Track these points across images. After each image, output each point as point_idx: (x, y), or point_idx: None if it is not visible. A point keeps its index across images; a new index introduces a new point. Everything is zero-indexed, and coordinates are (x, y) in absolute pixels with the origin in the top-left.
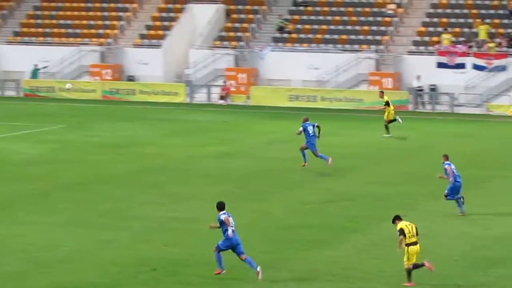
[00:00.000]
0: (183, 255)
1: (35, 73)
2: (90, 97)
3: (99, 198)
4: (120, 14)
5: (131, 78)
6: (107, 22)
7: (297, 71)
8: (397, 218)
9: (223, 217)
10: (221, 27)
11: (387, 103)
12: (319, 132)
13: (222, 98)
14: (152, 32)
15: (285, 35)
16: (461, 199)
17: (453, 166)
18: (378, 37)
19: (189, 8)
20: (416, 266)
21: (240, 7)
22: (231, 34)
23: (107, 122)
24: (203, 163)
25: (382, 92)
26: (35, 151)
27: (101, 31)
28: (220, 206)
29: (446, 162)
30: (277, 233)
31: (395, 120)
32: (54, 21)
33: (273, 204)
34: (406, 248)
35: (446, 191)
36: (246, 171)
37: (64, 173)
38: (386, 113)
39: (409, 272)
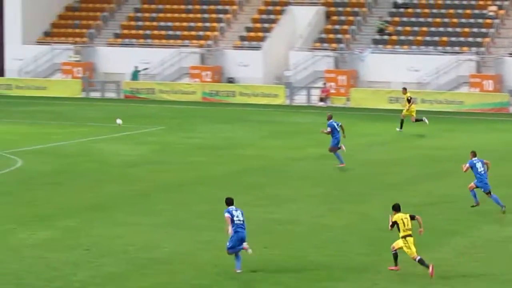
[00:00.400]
0: (283, 256)
1: (135, 75)
2: (190, 99)
3: (198, 199)
4: (220, 16)
5: (231, 80)
6: (207, 24)
7: (397, 73)
8: (395, 209)
9: (226, 215)
10: (321, 29)
11: (409, 100)
12: (343, 131)
13: (321, 100)
14: (252, 34)
15: (385, 37)
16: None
17: (479, 163)
18: (479, 39)
19: (289, 10)
20: (422, 263)
21: (340, 9)
22: (331, 36)
23: (207, 124)
24: (303, 164)
25: (405, 89)
26: (135, 153)
27: (201, 33)
28: (228, 202)
29: (474, 158)
30: (376, 235)
31: (421, 120)
32: (154, 23)
33: (372, 206)
34: (404, 239)
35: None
36: (345, 173)
37: (164, 175)
38: (405, 109)
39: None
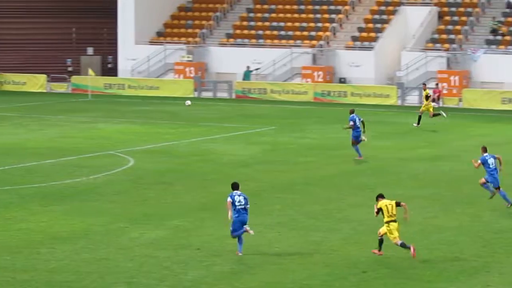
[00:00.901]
0: (393, 257)
1: (247, 75)
2: (301, 99)
3: (308, 199)
4: (333, 16)
5: (342, 80)
6: (319, 24)
7: (510, 73)
8: (380, 196)
9: (228, 200)
10: (434, 29)
11: (427, 97)
12: (364, 127)
13: (433, 100)
14: (364, 34)
15: (499, 37)
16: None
17: (491, 159)
18: None
19: (402, 10)
20: (403, 245)
21: (453, 9)
22: (444, 36)
23: (318, 124)
24: (414, 165)
25: (424, 85)
26: (246, 152)
27: (313, 33)
28: (234, 187)
29: (486, 154)
30: (488, 236)
31: (439, 114)
32: (266, 23)
33: (483, 207)
34: (387, 224)
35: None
36: (457, 174)
37: (275, 175)
38: (425, 106)
39: (381, 242)
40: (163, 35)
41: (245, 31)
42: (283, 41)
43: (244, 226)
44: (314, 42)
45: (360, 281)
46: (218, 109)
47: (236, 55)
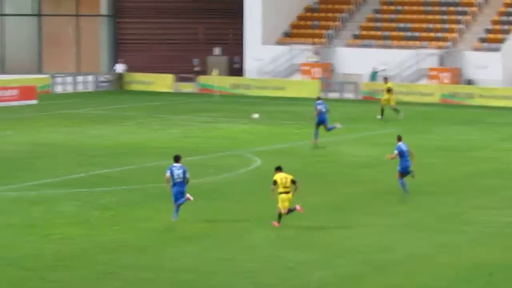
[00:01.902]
0: None
1: (374, 76)
2: (428, 100)
3: (434, 201)
4: (460, 17)
5: (470, 82)
6: (446, 26)
7: None
8: (278, 169)
9: (167, 174)
10: None
11: (389, 90)
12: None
13: None
14: (491, 35)
15: None
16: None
17: (404, 147)
18: None
19: None
20: (290, 210)
21: None
22: None
23: (444, 126)
24: None
25: (386, 79)
26: (371, 154)
27: (439, 34)
28: (176, 159)
29: (401, 143)
30: None
31: (382, 112)
32: (393, 24)
33: None
34: (278, 195)
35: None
36: None
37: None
38: (386, 98)
39: (279, 215)
40: (289, 36)
41: (372, 32)
42: (410, 42)
43: (186, 195)
44: (441, 43)
45: (487, 283)
46: (344, 110)
47: (362, 56)
